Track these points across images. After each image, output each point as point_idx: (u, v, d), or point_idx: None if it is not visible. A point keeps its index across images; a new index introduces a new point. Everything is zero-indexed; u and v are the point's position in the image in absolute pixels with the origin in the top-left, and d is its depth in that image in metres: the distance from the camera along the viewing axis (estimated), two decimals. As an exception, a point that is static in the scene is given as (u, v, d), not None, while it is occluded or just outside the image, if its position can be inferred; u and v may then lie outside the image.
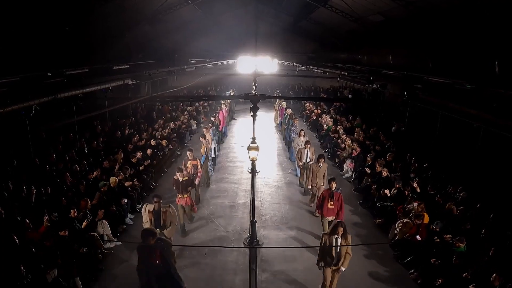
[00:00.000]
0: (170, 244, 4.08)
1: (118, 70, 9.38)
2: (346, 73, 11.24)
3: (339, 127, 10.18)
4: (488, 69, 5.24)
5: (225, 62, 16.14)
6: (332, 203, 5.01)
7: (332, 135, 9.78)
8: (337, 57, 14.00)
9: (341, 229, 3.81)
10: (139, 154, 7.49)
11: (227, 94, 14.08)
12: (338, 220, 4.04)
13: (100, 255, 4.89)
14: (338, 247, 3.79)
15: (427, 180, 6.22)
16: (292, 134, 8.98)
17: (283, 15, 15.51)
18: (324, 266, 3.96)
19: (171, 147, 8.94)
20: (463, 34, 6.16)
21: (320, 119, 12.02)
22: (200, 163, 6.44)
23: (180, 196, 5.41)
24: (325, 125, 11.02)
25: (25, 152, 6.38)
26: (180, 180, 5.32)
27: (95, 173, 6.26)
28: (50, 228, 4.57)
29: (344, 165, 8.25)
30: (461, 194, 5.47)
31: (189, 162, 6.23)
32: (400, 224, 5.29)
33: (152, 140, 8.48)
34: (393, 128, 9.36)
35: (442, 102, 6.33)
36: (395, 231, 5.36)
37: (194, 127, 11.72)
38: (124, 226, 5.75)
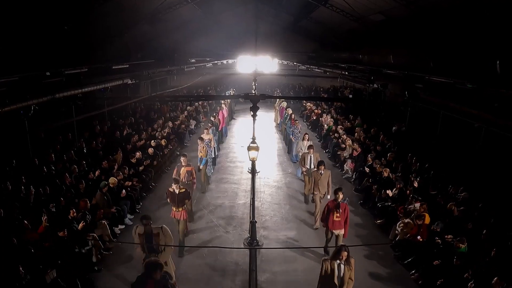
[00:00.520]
0: (173, 280, 3.75)
1: (117, 69, 9.34)
2: (346, 73, 11.20)
3: (339, 127, 10.15)
4: (490, 69, 5.21)
5: (225, 61, 16.10)
6: (338, 215, 4.60)
7: (332, 136, 9.74)
8: (338, 57, 13.96)
9: (344, 254, 3.39)
10: (138, 154, 7.46)
11: (227, 94, 14.04)
12: (341, 244, 3.62)
13: (99, 256, 4.86)
14: (341, 273, 3.40)
15: (428, 180, 6.20)
16: (293, 138, 8.71)
17: (283, 14, 15.47)
18: None
19: (171, 147, 8.91)
20: (464, 33, 6.14)
21: (320, 119, 11.99)
22: (195, 170, 6.06)
23: (175, 209, 4.89)
24: (325, 125, 10.99)
25: (24, 152, 6.35)
26: (177, 193, 4.81)
27: (96, 173, 6.23)
28: (49, 228, 4.54)
29: (345, 165, 8.23)
30: (462, 194, 5.45)
31: (182, 168, 5.76)
32: (401, 225, 5.27)
33: (152, 141, 8.44)
34: (393, 128, 9.33)
35: (443, 102, 6.31)
36: (396, 232, 5.34)
37: (192, 127, 11.67)
38: (124, 227, 5.73)
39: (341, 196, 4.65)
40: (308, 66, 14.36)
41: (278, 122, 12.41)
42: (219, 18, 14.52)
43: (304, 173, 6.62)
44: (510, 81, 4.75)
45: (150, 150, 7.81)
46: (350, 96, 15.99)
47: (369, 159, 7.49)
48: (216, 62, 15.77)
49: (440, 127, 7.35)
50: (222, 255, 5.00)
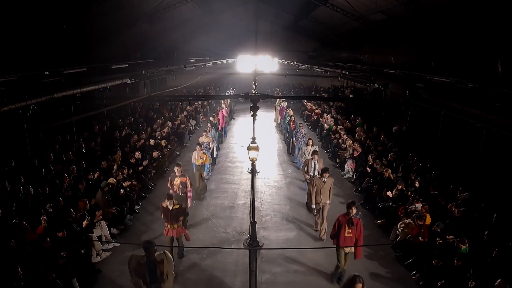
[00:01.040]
0: None
1: (117, 69, 9.31)
2: (347, 72, 11.16)
3: (339, 127, 10.11)
4: (491, 68, 5.18)
5: (224, 61, 16.06)
6: (350, 231, 4.15)
7: (333, 136, 9.70)
8: (338, 56, 13.92)
9: (359, 286, 2.85)
10: (137, 154, 7.42)
11: (226, 94, 14.00)
12: (355, 275, 2.94)
13: (98, 256, 4.84)
14: None
15: (429, 180, 6.17)
16: (295, 143, 8.42)
17: (283, 14, 15.41)
18: None
19: (170, 147, 8.88)
20: (466, 33, 6.11)
21: (321, 119, 11.94)
22: (190, 180, 5.57)
23: (169, 226, 4.50)
24: (325, 125, 10.95)
25: (22, 152, 6.32)
26: (170, 209, 4.45)
27: (96, 174, 6.19)
28: (48, 229, 4.52)
29: (345, 166, 8.20)
30: (463, 195, 5.42)
31: (176, 179, 5.32)
32: (402, 225, 5.24)
33: (151, 140, 8.40)
34: (394, 128, 9.30)
35: (444, 101, 6.27)
36: (397, 232, 5.31)
37: (191, 127, 11.63)
38: (123, 227, 5.70)
39: (354, 210, 4.19)
40: (309, 65, 14.32)
41: (278, 122, 12.37)
42: (219, 17, 14.46)
43: (308, 181, 6.14)
44: (512, 81, 4.72)
45: (155, 154, 7.76)
46: (351, 95, 15.94)
47: (370, 159, 7.46)
48: (216, 61, 15.73)
49: (441, 127, 7.32)
50: (222, 256, 4.98)
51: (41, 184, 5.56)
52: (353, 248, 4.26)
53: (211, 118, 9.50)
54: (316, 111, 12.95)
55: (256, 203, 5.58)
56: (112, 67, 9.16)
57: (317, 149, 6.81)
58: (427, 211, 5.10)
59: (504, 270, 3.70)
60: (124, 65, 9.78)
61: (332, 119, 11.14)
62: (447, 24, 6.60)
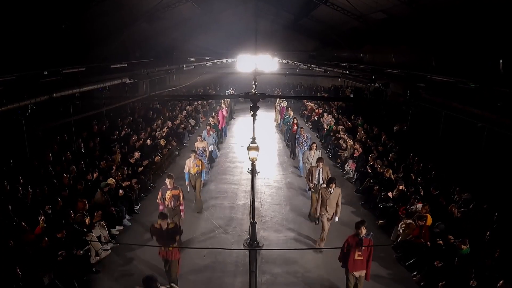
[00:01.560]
0: None
1: (116, 68, 9.26)
2: (347, 72, 11.13)
3: (340, 126, 10.07)
4: (492, 68, 5.15)
5: (224, 60, 16.03)
6: (360, 253, 3.76)
7: (333, 136, 9.66)
8: (339, 56, 13.88)
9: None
10: (137, 155, 7.39)
11: (226, 93, 13.96)
12: None
13: (97, 257, 4.81)
14: None
15: (430, 180, 6.14)
16: (298, 148, 7.98)
17: (283, 13, 15.38)
18: None
19: (170, 147, 8.84)
20: (467, 32, 6.08)
21: (321, 118, 11.91)
22: (183, 193, 5.08)
23: (163, 248, 4.02)
24: (325, 125, 10.91)
25: (21, 152, 6.29)
26: (164, 229, 3.95)
27: (95, 175, 6.16)
28: (46, 229, 4.49)
29: (346, 166, 8.16)
30: (465, 195, 5.39)
31: (168, 192, 4.82)
32: (403, 226, 5.21)
33: (148, 139, 8.36)
34: (395, 127, 9.26)
35: (445, 101, 6.23)
36: (398, 232, 5.28)
37: (190, 127, 11.59)
38: (122, 228, 5.67)
39: (364, 230, 3.78)
40: (309, 65, 14.29)
41: (279, 122, 12.34)
42: (218, 16, 14.42)
43: (312, 190, 5.76)
44: (514, 80, 4.68)
45: (158, 158, 7.68)
46: (351, 95, 15.90)
47: (371, 159, 7.42)
48: (215, 61, 15.69)
49: (442, 127, 7.29)
50: (222, 256, 4.95)
51: (40, 184, 5.53)
52: (363, 271, 3.87)
53: (210, 119, 9.12)
54: (317, 111, 12.92)
55: (256, 203, 5.54)
56: (111, 66, 9.12)
57: (321, 154, 6.53)
58: (427, 211, 5.08)
59: (507, 272, 3.68)
60: (124, 65, 9.74)
61: (333, 119, 11.11)
62: (448, 23, 6.56)
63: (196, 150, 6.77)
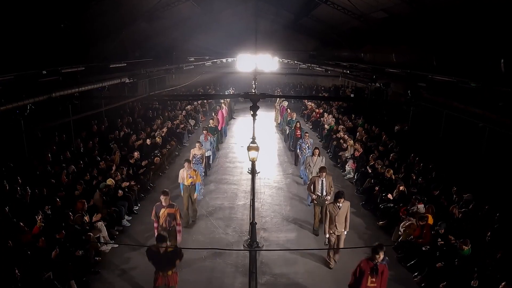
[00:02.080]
0: None
1: (115, 68, 9.23)
2: (348, 72, 11.11)
3: (340, 126, 10.04)
4: (494, 68, 5.12)
5: (224, 60, 15.99)
6: (374, 280, 3.41)
7: (334, 136, 9.61)
8: (339, 55, 13.86)
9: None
10: (136, 155, 7.35)
11: (226, 93, 13.92)
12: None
13: (96, 258, 4.79)
14: None
15: (431, 181, 6.11)
16: (299, 154, 7.51)
17: (283, 12, 15.33)
18: None
19: (169, 147, 8.81)
20: (468, 31, 6.04)
21: (321, 118, 11.88)
22: (179, 212, 4.52)
23: (161, 273, 3.61)
24: (326, 125, 10.87)
25: (20, 152, 6.26)
26: (161, 252, 3.53)
27: (94, 174, 6.12)
28: (44, 228, 4.46)
29: (347, 166, 8.13)
30: (466, 196, 5.36)
31: (162, 210, 4.33)
32: (404, 226, 5.19)
33: (148, 139, 8.32)
34: (396, 127, 9.23)
35: (446, 101, 6.21)
36: (399, 233, 5.26)
37: (190, 127, 11.55)
38: (121, 228, 5.65)
39: (381, 256, 3.39)
40: (309, 64, 14.26)
41: (279, 122, 12.30)
42: (218, 16, 14.37)
43: (315, 202, 5.37)
44: (515, 80, 4.65)
45: (157, 159, 7.61)
46: (352, 95, 15.87)
47: (371, 159, 7.39)
48: (215, 60, 15.66)
49: (443, 127, 7.26)
50: (222, 257, 4.92)
51: (38, 184, 5.50)
52: None
53: (210, 122, 8.75)
54: (317, 110, 12.89)
55: (256, 203, 5.48)
56: (111, 66, 9.09)
57: (323, 160, 6.17)
58: (431, 212, 5.04)
59: (508, 273, 3.65)
60: (123, 64, 9.70)
61: (333, 119, 11.08)
62: (449, 22, 6.52)
63: (191, 158, 6.41)
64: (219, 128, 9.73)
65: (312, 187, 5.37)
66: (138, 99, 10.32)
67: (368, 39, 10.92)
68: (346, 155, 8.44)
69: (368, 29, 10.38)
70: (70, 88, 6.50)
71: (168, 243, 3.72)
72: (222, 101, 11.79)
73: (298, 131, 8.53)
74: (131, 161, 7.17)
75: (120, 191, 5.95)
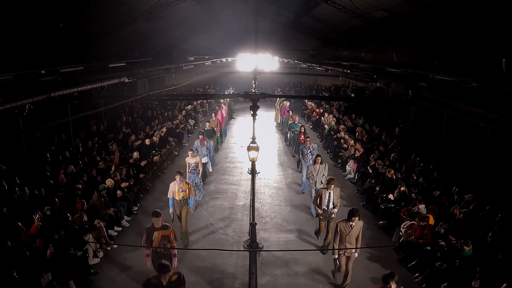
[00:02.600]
0: None
1: (114, 68, 9.19)
2: (349, 71, 11.07)
3: (341, 126, 10.01)
4: (495, 67, 5.10)
5: (224, 59, 15.94)
6: None
7: (334, 136, 9.57)
8: (340, 55, 13.83)
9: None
10: (136, 155, 7.32)
11: (226, 93, 13.87)
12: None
13: (96, 258, 4.76)
14: None
15: (432, 181, 6.08)
16: (301, 160, 7.03)
17: (284, 11, 15.29)
18: None
19: (169, 147, 8.78)
20: (469, 31, 6.02)
21: (322, 118, 11.85)
22: (174, 233, 3.97)
23: None
24: (326, 125, 10.84)
25: (18, 152, 6.23)
26: (164, 284, 3.07)
27: (97, 177, 6.09)
28: (42, 228, 4.43)
29: (347, 166, 8.10)
30: (467, 196, 5.34)
31: (155, 233, 3.83)
32: (405, 226, 5.16)
33: (147, 139, 8.29)
34: (397, 129, 9.19)
35: (447, 101, 6.19)
36: (400, 233, 5.23)
37: (190, 127, 11.51)
38: (120, 229, 5.62)
39: (393, 285, 3.13)
40: (310, 64, 14.23)
41: (279, 122, 12.27)
42: (218, 15, 14.33)
43: (320, 216, 4.98)
44: (517, 80, 4.63)
45: (156, 158, 7.56)
46: (352, 95, 15.84)
47: (372, 159, 7.36)
48: (215, 60, 15.61)
49: (445, 127, 7.23)
50: (221, 258, 4.90)
51: (37, 184, 5.47)
52: None
53: (207, 124, 8.28)
54: (317, 110, 12.86)
55: (256, 204, 5.47)
56: (110, 65, 9.05)
57: (327, 169, 5.64)
58: (433, 212, 5.01)
59: (510, 274, 3.62)
60: (122, 64, 9.67)
61: (334, 119, 11.04)
62: (450, 22, 6.50)
63: (187, 167, 5.95)
64: (219, 128, 9.68)
65: (318, 200, 4.94)
66: (137, 98, 10.28)
67: (369, 38, 10.89)
68: (346, 155, 8.42)
69: (369, 29, 10.35)
70: (69, 88, 6.47)
71: (173, 274, 3.17)
72: (222, 100, 11.75)
73: (302, 136, 7.96)
74: (131, 161, 7.14)
75: (119, 192, 5.92)
